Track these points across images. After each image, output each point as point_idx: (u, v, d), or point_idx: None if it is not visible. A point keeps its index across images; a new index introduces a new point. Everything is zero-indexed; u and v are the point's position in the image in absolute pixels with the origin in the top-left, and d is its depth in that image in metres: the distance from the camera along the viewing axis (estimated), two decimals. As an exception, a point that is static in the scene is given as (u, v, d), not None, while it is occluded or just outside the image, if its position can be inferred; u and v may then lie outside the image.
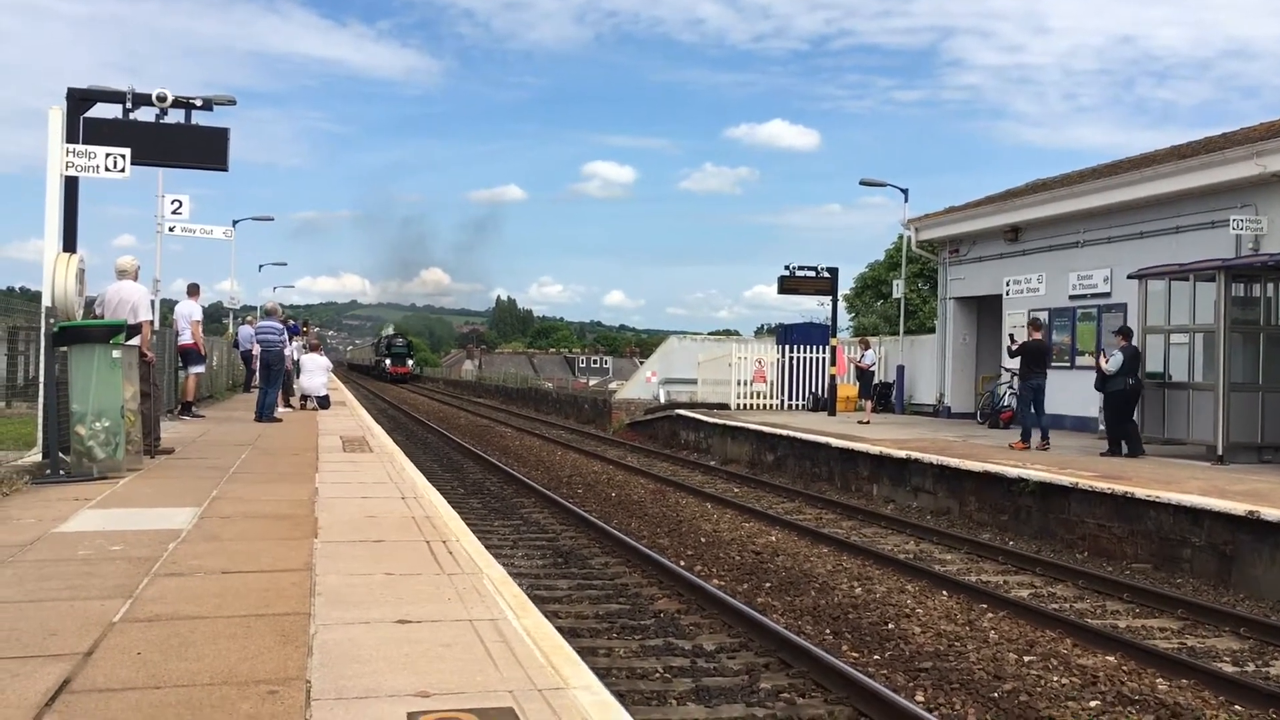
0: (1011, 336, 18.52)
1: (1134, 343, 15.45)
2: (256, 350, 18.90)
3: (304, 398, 21.16)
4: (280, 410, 18.28)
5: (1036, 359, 16.26)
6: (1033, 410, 16.18)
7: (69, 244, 10.97)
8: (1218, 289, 14.60)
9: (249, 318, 28.28)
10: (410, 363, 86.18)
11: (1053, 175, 25.19)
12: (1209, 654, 7.91)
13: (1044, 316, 19.52)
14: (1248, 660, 7.79)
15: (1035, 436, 16.00)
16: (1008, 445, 16.12)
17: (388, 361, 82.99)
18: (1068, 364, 20.43)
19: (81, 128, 11.29)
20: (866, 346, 24.13)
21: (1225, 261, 15.08)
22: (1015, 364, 17.27)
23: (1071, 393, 19.30)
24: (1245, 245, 16.55)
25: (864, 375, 23.41)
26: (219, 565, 5.96)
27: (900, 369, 27.45)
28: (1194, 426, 14.93)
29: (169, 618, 4.82)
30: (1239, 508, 10.05)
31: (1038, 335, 16.76)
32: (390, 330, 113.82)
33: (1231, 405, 14.38)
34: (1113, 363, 15.10)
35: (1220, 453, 14.30)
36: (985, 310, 24.89)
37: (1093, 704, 6.64)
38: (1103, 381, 15.31)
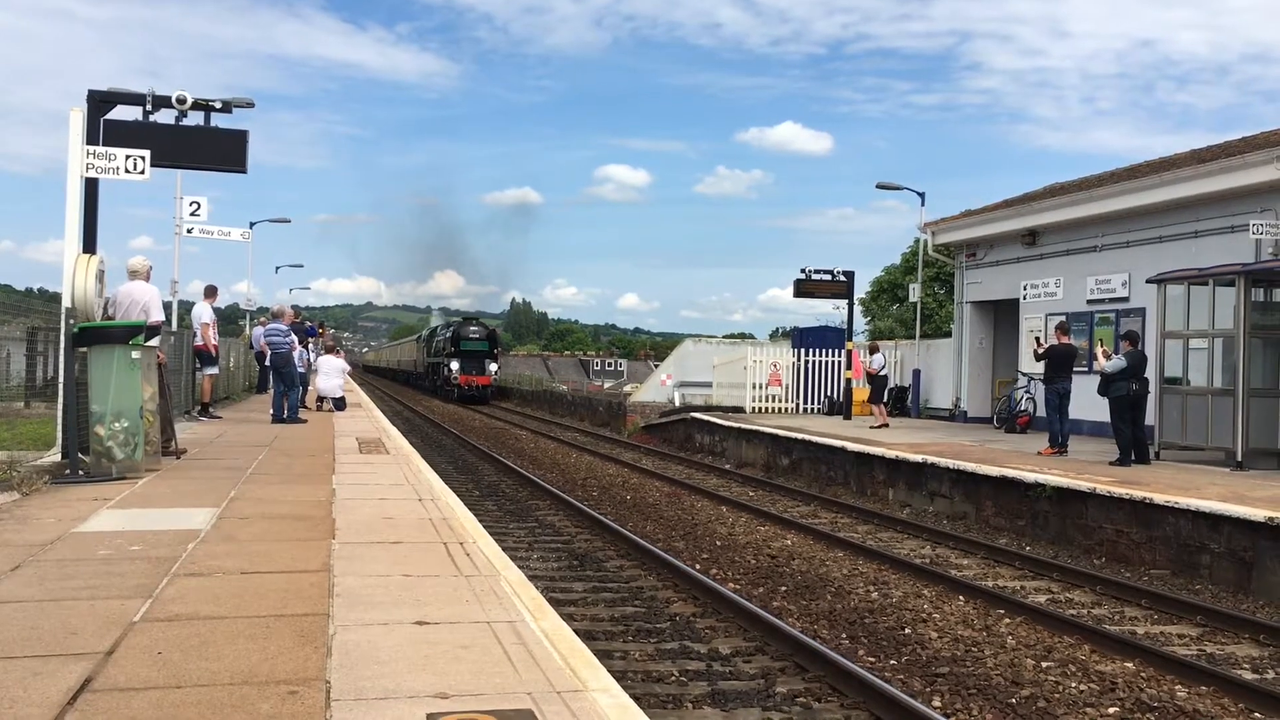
0: (1038, 340, 18.43)
1: (1141, 348, 15.25)
2: (267, 351, 18.96)
3: (320, 399, 21.23)
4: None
5: (1064, 364, 16.21)
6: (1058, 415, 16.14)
7: (89, 245, 11.02)
8: (1237, 294, 14.50)
9: (262, 319, 28.40)
10: (494, 368, 51.29)
11: (1071, 179, 25.09)
12: (1228, 661, 7.86)
13: (1064, 321, 19.44)
14: (1267, 667, 7.74)
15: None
16: (1036, 452, 16.00)
17: (454, 365, 49.09)
18: (1085, 369, 20.33)
19: (102, 130, 11.33)
20: (875, 350, 23.96)
21: (1245, 266, 14.98)
22: (1036, 368, 17.16)
23: (1089, 398, 19.19)
24: (1265, 250, 16.43)
25: (874, 379, 23.19)
26: (238, 566, 5.98)
27: (916, 373, 27.37)
28: (1213, 432, 14.83)
29: (189, 618, 4.84)
30: (1259, 514, 9.99)
31: (1065, 340, 16.70)
32: (436, 323, 70.76)
33: (1251, 411, 14.28)
34: (1112, 364, 14.90)
35: (1239, 458, 14.20)
36: (1002, 314, 24.80)
37: (1111, 710, 6.61)
38: (1105, 386, 14.99)
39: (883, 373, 23.26)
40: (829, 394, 27.17)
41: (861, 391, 25.81)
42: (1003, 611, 9.11)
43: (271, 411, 17.64)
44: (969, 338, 25.46)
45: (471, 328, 52.24)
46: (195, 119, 11.95)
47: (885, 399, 23.38)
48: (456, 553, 6.64)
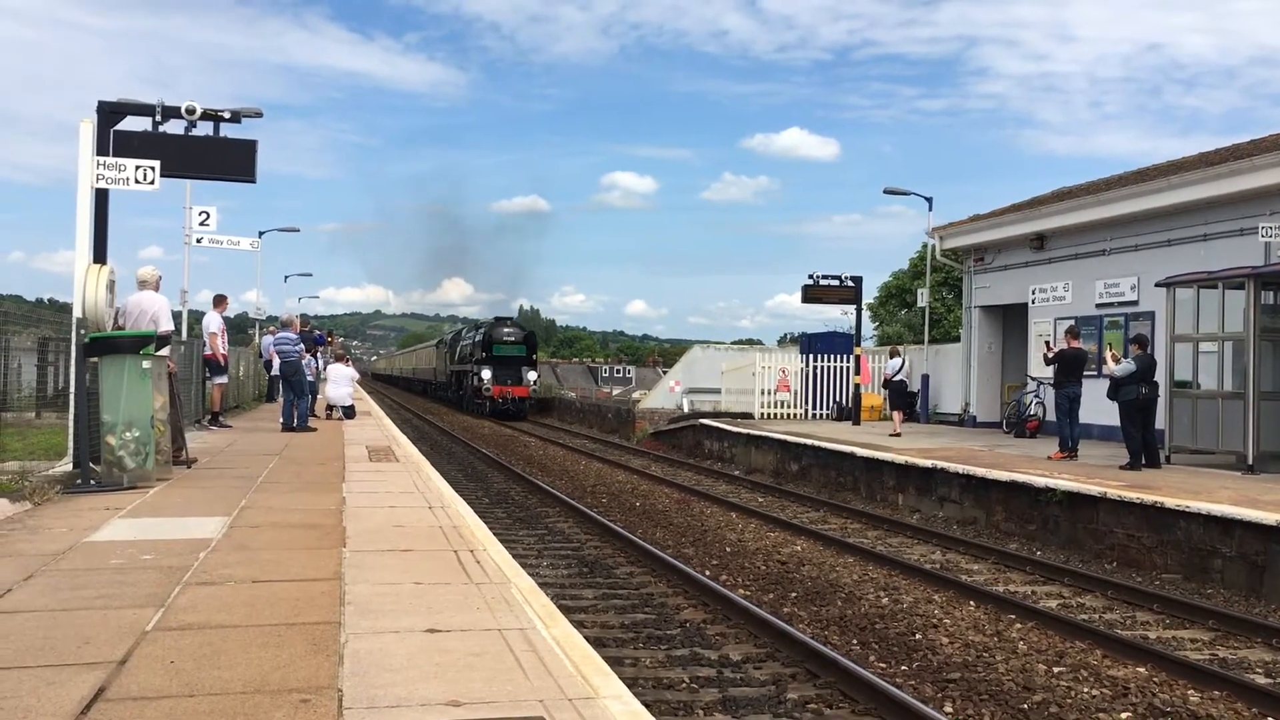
0: (1047, 344, 18.37)
1: (1150, 351, 15.21)
2: (276, 360, 19.03)
3: (329, 408, 21.27)
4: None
5: (1074, 368, 16.18)
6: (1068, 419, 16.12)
7: (99, 255, 11.08)
8: (1247, 297, 14.46)
9: (271, 328, 28.49)
10: (534, 377, 44.31)
11: (1078, 183, 25.05)
12: (1241, 665, 7.83)
13: (1074, 325, 19.38)
14: (1281, 672, 7.71)
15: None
16: (1046, 456, 15.97)
17: (485, 374, 41.89)
18: (1094, 373, 20.27)
19: (112, 140, 11.39)
20: (895, 354, 23.80)
21: (1255, 269, 14.93)
22: (1045, 372, 17.10)
23: (1099, 402, 19.14)
24: (1274, 253, 16.40)
25: (890, 384, 22.93)
26: (249, 574, 6.00)
27: (925, 378, 27.30)
28: (1224, 436, 14.78)
29: (201, 626, 4.85)
30: (1270, 517, 9.95)
31: (1076, 344, 16.65)
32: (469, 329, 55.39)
33: (1262, 414, 14.23)
34: (1122, 367, 14.89)
35: (1250, 462, 14.14)
36: (1011, 319, 24.75)
37: (1124, 716, 6.59)
38: (1114, 390, 14.96)
39: (898, 378, 22.77)
40: (838, 399, 27.13)
41: (871, 397, 25.76)
42: (1014, 617, 9.08)
43: (281, 420, 17.69)
44: (978, 342, 25.41)
45: (506, 329, 44.00)
46: (204, 129, 12.00)
47: (903, 405, 22.93)
48: (467, 560, 6.65)
